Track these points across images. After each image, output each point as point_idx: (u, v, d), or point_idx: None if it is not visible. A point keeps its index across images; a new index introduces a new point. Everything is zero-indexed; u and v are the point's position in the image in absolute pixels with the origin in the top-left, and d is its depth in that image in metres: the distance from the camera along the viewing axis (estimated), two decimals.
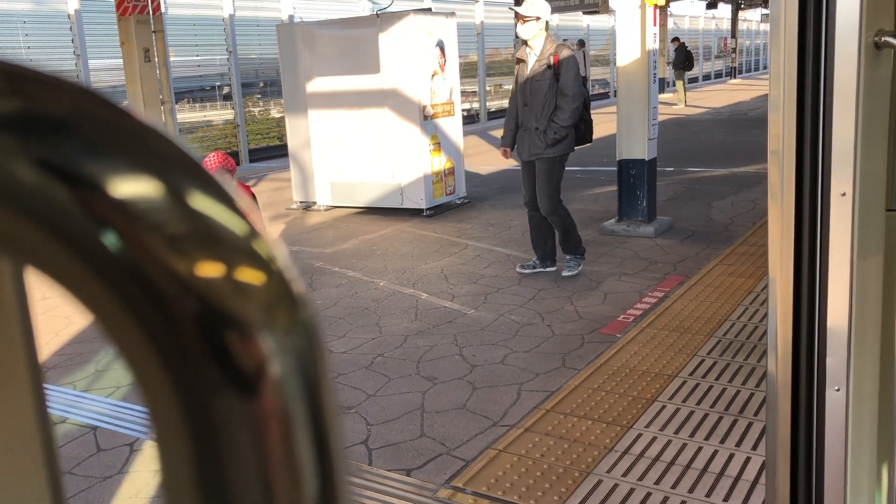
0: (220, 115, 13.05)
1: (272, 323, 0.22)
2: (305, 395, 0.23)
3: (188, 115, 12.67)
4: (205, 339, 0.21)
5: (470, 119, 16.34)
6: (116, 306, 0.21)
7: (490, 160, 11.14)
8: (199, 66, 12.59)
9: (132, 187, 0.21)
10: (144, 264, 0.21)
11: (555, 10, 15.91)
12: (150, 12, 9.52)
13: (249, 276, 0.22)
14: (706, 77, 27.07)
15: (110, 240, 0.21)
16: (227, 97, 12.97)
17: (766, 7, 26.30)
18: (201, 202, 0.22)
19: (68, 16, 10.63)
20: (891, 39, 1.52)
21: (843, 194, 1.58)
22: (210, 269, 0.21)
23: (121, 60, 9.76)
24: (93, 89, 0.23)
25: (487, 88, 17.78)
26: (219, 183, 0.23)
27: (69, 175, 0.21)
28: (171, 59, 11.04)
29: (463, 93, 8.58)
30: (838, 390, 1.64)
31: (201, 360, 0.21)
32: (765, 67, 30.04)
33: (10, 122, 0.21)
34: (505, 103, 7.33)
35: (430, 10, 8.12)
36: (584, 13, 17.28)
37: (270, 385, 0.22)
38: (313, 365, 0.23)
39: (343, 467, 0.24)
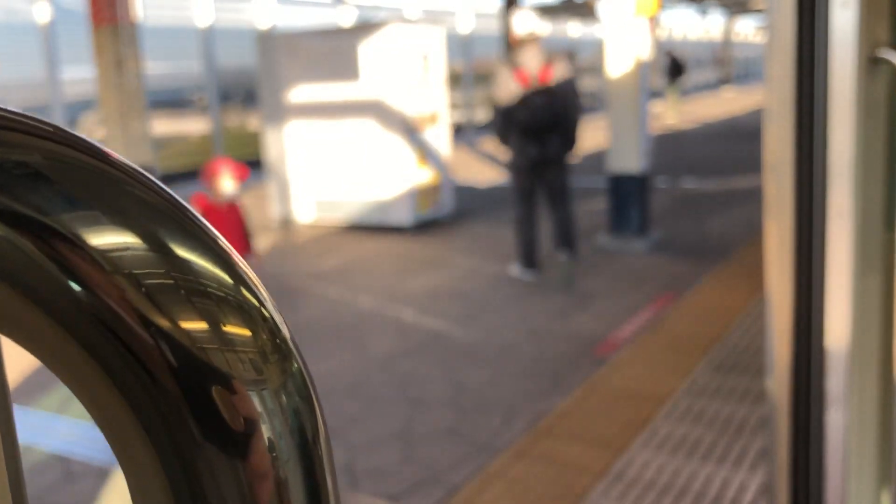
0: (196, 126, 12.96)
1: (261, 380, 0.21)
2: (299, 455, 0.22)
3: (163, 126, 12.60)
4: (187, 397, 0.20)
5: (457, 130, 16.32)
6: (90, 365, 0.20)
7: (478, 173, 11.10)
8: (174, 76, 12.51)
9: (107, 238, 0.20)
10: (121, 321, 0.20)
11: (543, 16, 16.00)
12: (125, 22, 9.48)
13: (236, 329, 0.21)
14: (699, 87, 27.22)
15: (82, 294, 0.20)
16: (204, 108, 12.88)
17: (760, 16, 26.60)
18: (184, 251, 0.21)
19: (40, 26, 10.56)
20: (887, 54, 1.49)
21: (841, 210, 1.54)
22: (193, 324, 0.20)
23: (94, 71, 9.68)
24: (66, 132, 0.22)
25: (474, 100, 17.75)
26: (205, 230, 0.22)
27: (39, 227, 0.20)
28: (147, 70, 10.98)
29: (450, 103, 8.51)
30: (838, 411, 1.60)
31: (182, 419, 0.20)
32: (758, 77, 30.32)
33: None
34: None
35: (415, 19, 8.05)
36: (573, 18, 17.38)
37: (261, 445, 0.21)
38: (307, 422, 0.22)
39: None
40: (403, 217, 7.54)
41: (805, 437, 1.66)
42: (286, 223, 8.21)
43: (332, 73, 7.63)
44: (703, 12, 24.52)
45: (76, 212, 0.20)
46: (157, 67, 12.06)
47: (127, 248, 0.20)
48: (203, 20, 12.39)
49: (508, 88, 5.32)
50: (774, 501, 1.70)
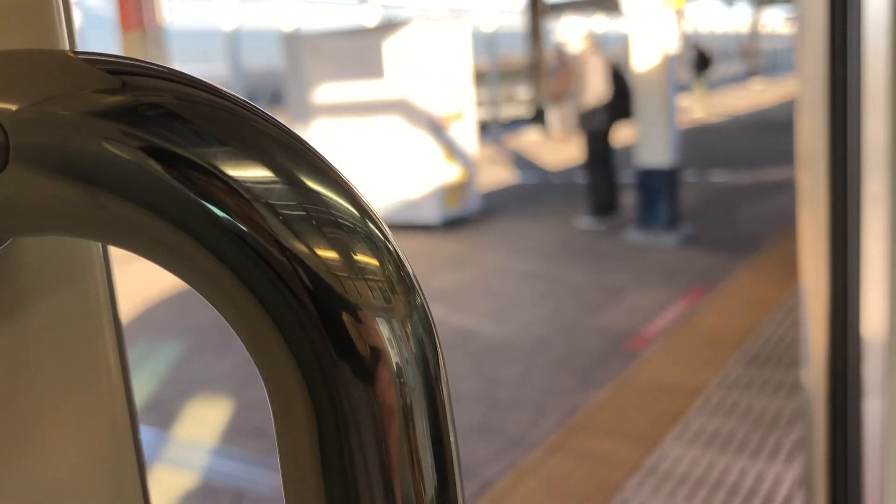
0: None
1: (389, 308, 0.22)
2: (423, 382, 0.23)
3: None
4: (323, 317, 0.21)
5: (482, 128, 16.31)
6: (237, 288, 0.22)
7: (504, 171, 11.09)
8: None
9: (243, 171, 0.22)
10: (262, 247, 0.21)
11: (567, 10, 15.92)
12: (152, 26, 9.59)
13: (366, 259, 0.22)
14: (726, 80, 26.91)
15: (226, 220, 0.21)
16: None
17: (788, 6, 26.22)
18: (314, 184, 0.22)
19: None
20: None
21: (877, 198, 1.53)
22: (327, 252, 0.22)
23: None
24: (193, 77, 0.23)
25: (499, 97, 17.71)
26: (330, 166, 0.23)
27: (180, 159, 0.21)
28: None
29: (476, 101, 8.53)
30: (875, 400, 1.59)
31: (320, 337, 0.21)
32: (787, 69, 29.82)
33: (117, 113, 0.21)
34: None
35: (439, 17, 8.06)
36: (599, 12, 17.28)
37: (388, 369, 0.22)
38: (429, 353, 0.23)
39: (458, 463, 0.25)
40: (432, 215, 7.56)
41: (843, 427, 1.65)
42: None
43: (357, 73, 7.66)
44: (730, 4, 24.22)
45: (212, 146, 0.22)
46: (184, 70, 12.17)
47: (262, 181, 0.22)
48: (229, 23, 12.51)
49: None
50: (812, 492, 1.69)
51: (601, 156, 7.17)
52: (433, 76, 7.39)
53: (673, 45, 6.30)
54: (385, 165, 7.69)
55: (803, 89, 1.60)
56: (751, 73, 28.78)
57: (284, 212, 0.22)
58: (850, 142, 1.56)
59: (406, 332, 0.23)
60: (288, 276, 0.21)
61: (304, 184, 0.22)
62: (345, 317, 0.21)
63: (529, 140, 15.06)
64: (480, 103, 16.32)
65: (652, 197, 6.45)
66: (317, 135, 8.08)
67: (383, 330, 0.22)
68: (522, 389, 3.77)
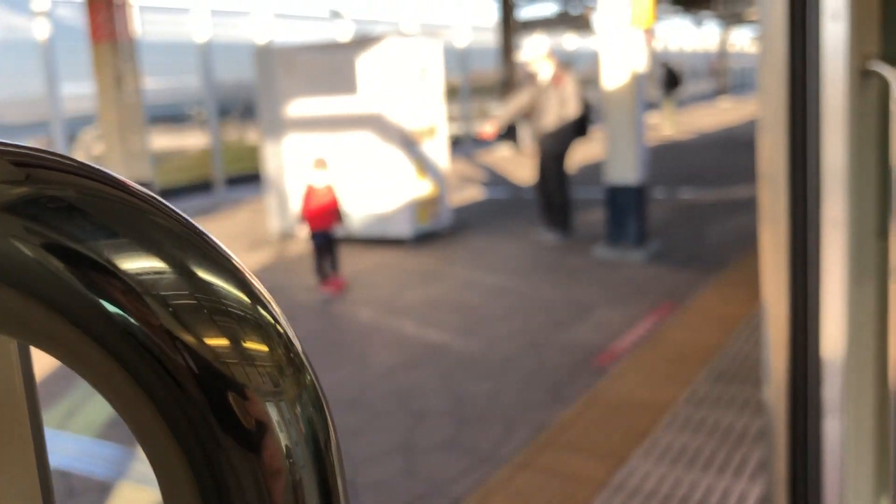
0: (195, 141, 12.98)
1: (278, 391, 0.23)
2: (314, 461, 0.23)
3: (162, 141, 12.63)
4: (211, 405, 0.22)
5: (454, 143, 16.35)
6: (124, 377, 0.22)
7: (476, 186, 11.12)
8: (173, 91, 12.54)
9: (137, 264, 0.22)
10: (150, 338, 0.22)
11: (538, 29, 16.06)
12: (124, 38, 9.49)
13: (254, 345, 0.23)
14: (695, 98, 27.28)
15: (116, 314, 0.22)
16: (203, 123, 12.91)
17: (755, 26, 26.63)
18: (206, 274, 0.23)
19: (40, 42, 10.60)
20: (877, 66, 1.51)
21: (836, 222, 1.56)
22: (215, 340, 0.22)
23: (94, 87, 9.70)
24: (93, 168, 0.24)
25: (471, 112, 17.80)
26: (223, 254, 0.24)
27: (76, 256, 0.22)
28: (146, 85, 10.98)
29: (448, 116, 8.60)
30: (835, 420, 1.61)
31: (207, 426, 0.22)
32: (754, 88, 30.25)
33: (18, 206, 0.22)
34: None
35: (412, 33, 8.09)
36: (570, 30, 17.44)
37: (278, 450, 0.23)
38: (320, 431, 0.24)
39: None
40: (403, 229, 7.56)
41: (803, 447, 1.66)
42: (285, 237, 8.23)
43: (330, 87, 7.66)
44: (699, 23, 24.59)
45: (108, 240, 0.22)
46: (156, 82, 12.09)
47: (154, 273, 0.22)
48: (201, 35, 12.45)
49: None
50: None
51: (556, 175, 7.25)
52: (405, 92, 7.41)
53: (642, 64, 6.38)
54: (357, 180, 7.69)
55: (764, 111, 1.63)
56: (719, 92, 29.21)
57: (175, 303, 0.22)
58: (810, 165, 1.58)
59: (295, 413, 0.23)
60: (176, 368, 0.22)
61: (195, 274, 0.23)
62: (233, 404, 0.22)
63: (501, 156, 15.13)
64: (453, 119, 16.42)
65: (620, 213, 6.51)
66: (289, 149, 8.05)
67: (272, 413, 0.22)
68: (492, 405, 3.77)
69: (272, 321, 0.24)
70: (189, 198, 11.99)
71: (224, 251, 0.24)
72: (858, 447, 1.64)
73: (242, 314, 0.23)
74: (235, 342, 0.22)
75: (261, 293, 0.24)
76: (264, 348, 0.23)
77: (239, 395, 0.22)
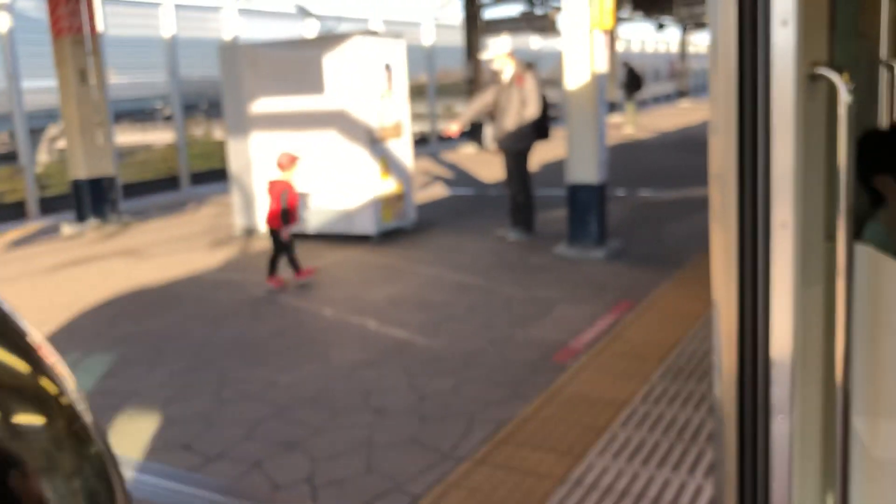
0: (160, 137, 12.82)
1: (52, 467, 0.20)
2: None
3: (127, 137, 12.45)
4: None
5: (420, 142, 16.34)
6: None
7: (440, 184, 11.14)
8: (138, 87, 12.37)
9: None
10: None
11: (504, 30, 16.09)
12: (87, 33, 9.32)
13: (27, 420, 0.20)
14: (656, 99, 27.56)
15: None
16: (168, 119, 12.75)
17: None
18: None
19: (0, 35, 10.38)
20: (825, 71, 1.54)
21: (785, 224, 1.59)
22: None
23: (56, 82, 9.52)
24: None
25: (438, 111, 17.79)
26: (8, 325, 0.21)
27: None
28: (111, 80, 10.80)
29: (412, 115, 8.60)
30: (783, 420, 1.64)
31: None
32: None
33: None
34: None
35: (378, 31, 8.06)
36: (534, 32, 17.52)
37: None
38: (102, 498, 0.21)
39: None
40: (367, 226, 7.55)
41: (752, 445, 1.69)
42: (250, 234, 8.17)
43: (296, 85, 7.61)
44: (660, 28, 24.86)
45: None
46: (121, 78, 11.91)
47: None
48: (167, 31, 12.28)
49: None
50: None
51: (518, 174, 7.36)
52: (371, 90, 7.40)
53: (604, 65, 6.44)
54: (322, 177, 7.65)
55: (716, 113, 1.65)
56: (680, 93, 29.56)
57: None
58: (760, 168, 1.61)
59: (74, 487, 0.22)
60: None
61: None
62: (10, 481, 0.21)
63: (466, 154, 15.16)
64: (418, 117, 16.39)
65: (581, 212, 6.57)
66: (254, 146, 7.98)
67: (46, 490, 0.21)
68: (454, 402, 3.79)
69: (54, 394, 0.22)
70: (154, 194, 11.83)
71: (10, 323, 0.22)
72: (805, 446, 1.67)
73: (16, 387, 0.21)
74: (4, 417, 0.21)
75: (45, 365, 0.22)
76: (40, 422, 0.22)
77: (13, 471, 0.21)
